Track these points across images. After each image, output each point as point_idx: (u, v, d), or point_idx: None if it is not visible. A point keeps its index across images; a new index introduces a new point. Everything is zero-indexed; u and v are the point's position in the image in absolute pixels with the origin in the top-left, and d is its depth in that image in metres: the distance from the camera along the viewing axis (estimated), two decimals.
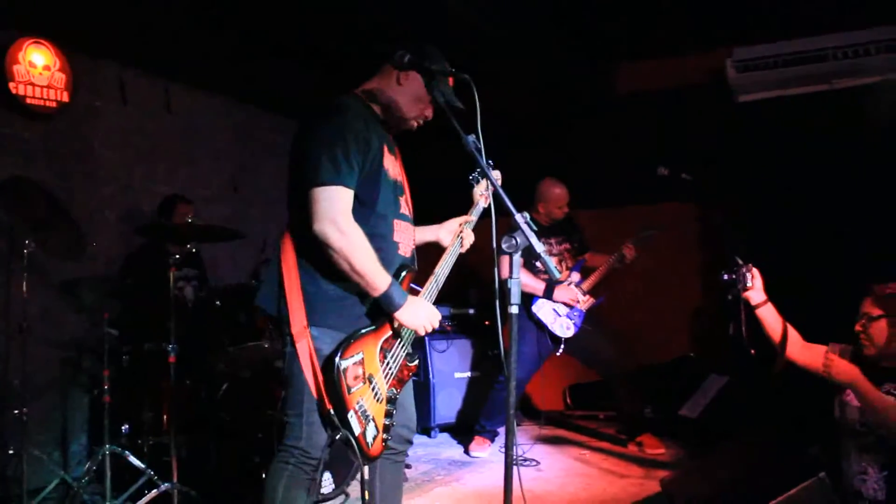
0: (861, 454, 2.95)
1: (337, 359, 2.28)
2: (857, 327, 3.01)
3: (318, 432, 2.39)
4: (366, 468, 2.41)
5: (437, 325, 2.56)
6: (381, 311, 2.44)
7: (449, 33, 5.03)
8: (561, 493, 4.23)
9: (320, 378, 2.33)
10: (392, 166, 2.59)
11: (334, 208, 2.32)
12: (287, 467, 2.42)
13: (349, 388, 2.30)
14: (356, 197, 2.40)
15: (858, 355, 3.02)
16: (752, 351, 3.31)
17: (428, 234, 2.92)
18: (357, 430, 2.31)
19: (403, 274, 2.56)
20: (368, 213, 2.46)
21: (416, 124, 2.68)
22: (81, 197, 4.79)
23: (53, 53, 4.59)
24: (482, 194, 2.94)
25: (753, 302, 3.22)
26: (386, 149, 2.54)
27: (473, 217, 2.94)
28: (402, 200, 2.65)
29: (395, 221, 2.57)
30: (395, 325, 2.48)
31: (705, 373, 5.54)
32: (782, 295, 3.31)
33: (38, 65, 4.51)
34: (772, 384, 4.20)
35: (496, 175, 2.81)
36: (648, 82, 6.47)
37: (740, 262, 3.27)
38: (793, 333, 3.23)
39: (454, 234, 2.88)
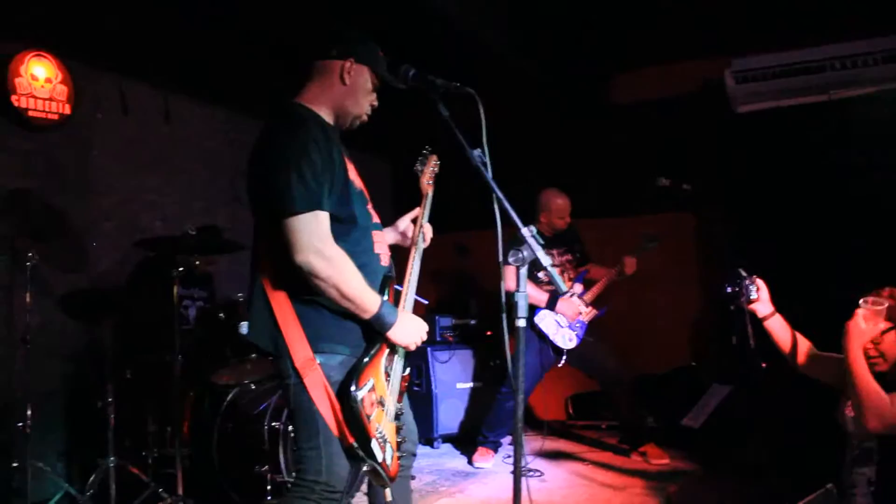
0: (853, 467, 2.86)
1: (353, 390, 2.20)
2: (866, 345, 2.81)
3: (338, 463, 2.29)
4: (388, 490, 2.39)
5: (425, 338, 2.50)
6: (374, 332, 2.37)
7: (446, 43, 5.07)
8: (564, 503, 4.22)
9: (339, 412, 2.24)
10: (354, 176, 2.50)
11: (315, 236, 2.21)
12: (308, 503, 2.31)
13: (368, 417, 2.23)
14: (334, 216, 2.31)
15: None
16: (763, 364, 3.28)
17: (388, 236, 2.80)
18: (380, 457, 2.25)
19: (388, 285, 2.49)
20: (349, 230, 2.38)
21: (366, 118, 2.58)
22: (82, 208, 4.78)
23: (55, 66, 4.59)
24: (428, 184, 2.85)
25: (760, 314, 3.15)
26: (347, 160, 2.46)
27: (426, 209, 2.83)
28: (370, 209, 2.56)
29: (374, 233, 2.52)
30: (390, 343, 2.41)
31: (707, 383, 5.54)
32: (780, 304, 3.25)
33: (39, 77, 4.52)
34: (775, 394, 4.19)
35: (433, 160, 2.82)
36: (647, 92, 6.49)
37: (744, 273, 3.19)
38: (803, 344, 3.15)
39: (413, 233, 2.78)
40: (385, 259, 2.55)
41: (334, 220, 2.30)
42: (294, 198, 2.21)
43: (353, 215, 2.40)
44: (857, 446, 2.86)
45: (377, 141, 2.58)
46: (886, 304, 2.81)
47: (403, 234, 2.84)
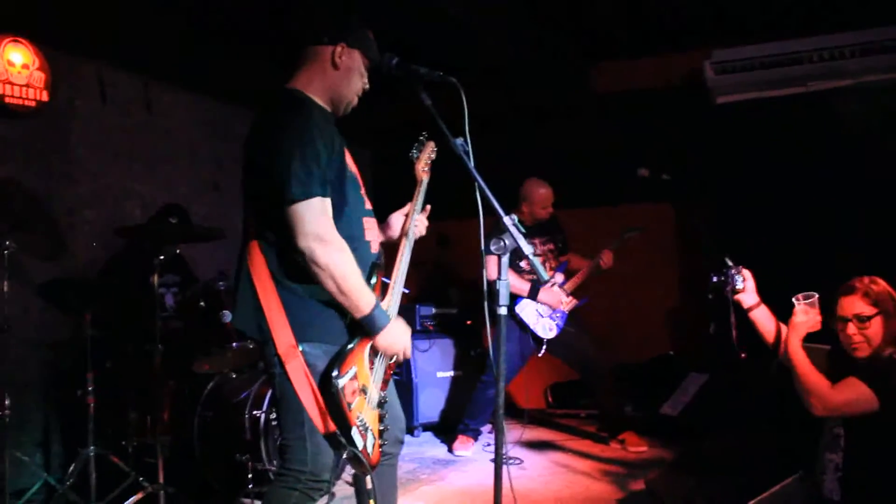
0: (825, 453, 2.92)
1: (334, 379, 2.19)
2: (849, 331, 2.84)
3: (324, 452, 2.30)
4: (368, 478, 2.38)
5: (409, 355, 2.50)
6: (363, 332, 2.35)
7: (427, 29, 5.06)
8: (545, 490, 4.26)
9: (320, 400, 2.24)
10: (349, 161, 2.50)
11: (317, 223, 2.21)
12: (293, 493, 2.31)
13: (349, 405, 2.23)
14: (331, 200, 2.31)
15: (840, 358, 2.95)
16: (743, 355, 3.29)
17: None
18: (360, 444, 2.25)
19: (375, 272, 2.47)
20: (341, 216, 2.36)
21: (356, 100, 2.57)
22: (61, 196, 4.74)
23: (32, 52, 4.54)
24: (424, 170, 2.83)
25: (746, 305, 3.14)
26: (342, 145, 2.46)
27: (420, 196, 2.80)
28: (363, 195, 2.55)
29: (365, 220, 2.51)
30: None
31: (685, 371, 5.60)
32: (761, 296, 3.28)
33: (16, 63, 4.46)
34: (752, 382, 4.24)
35: (431, 146, 2.80)
36: (627, 82, 6.53)
37: (730, 263, 3.18)
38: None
39: (404, 225, 2.76)
40: (375, 246, 2.55)
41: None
42: (298, 184, 2.20)
43: (345, 201, 2.39)
44: (828, 432, 2.92)
45: (356, 127, 2.58)
46: (816, 296, 2.95)
47: (393, 230, 2.79)
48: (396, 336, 2.40)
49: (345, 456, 2.25)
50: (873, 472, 2.75)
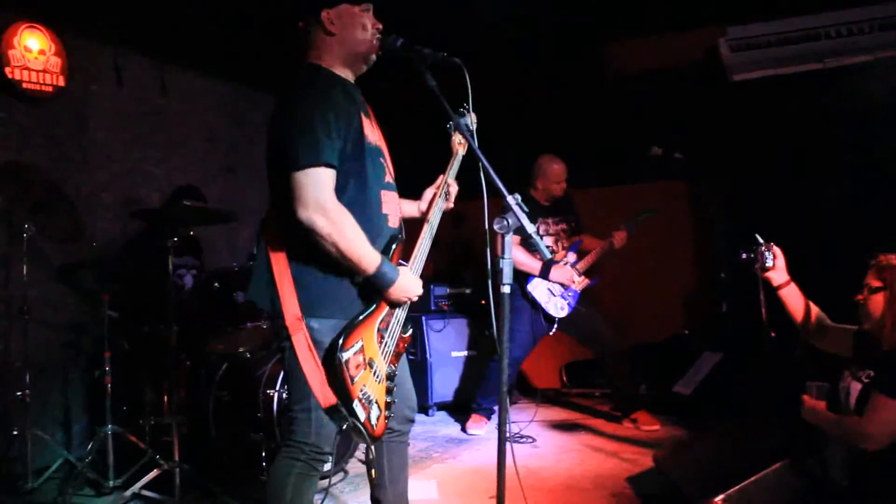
0: (834, 442, 2.92)
1: (338, 352, 2.22)
2: (859, 297, 2.88)
3: (327, 425, 2.35)
4: (372, 447, 2.41)
5: (420, 293, 2.52)
6: (374, 291, 2.39)
7: (439, 13, 5.06)
8: (556, 468, 4.30)
9: (322, 372, 2.28)
10: (371, 132, 2.50)
11: (318, 192, 2.23)
12: (296, 464, 2.38)
13: (352, 379, 2.26)
14: (343, 171, 2.33)
15: (861, 334, 2.95)
16: (773, 334, 3.26)
17: (410, 208, 2.82)
18: (363, 416, 2.28)
19: (394, 247, 2.49)
20: (357, 188, 2.39)
21: (375, 43, 2.53)
22: (78, 180, 4.81)
23: (48, 38, 4.60)
24: (461, 142, 2.81)
25: (775, 283, 3.13)
26: (362, 115, 2.46)
27: (453, 169, 2.81)
28: (385, 166, 2.57)
29: (383, 192, 2.51)
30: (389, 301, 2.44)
31: (699, 350, 5.59)
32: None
33: (33, 49, 4.52)
34: (770, 363, 4.21)
35: (472, 118, 2.72)
36: (642, 61, 6.46)
37: (761, 240, 3.17)
38: (816, 314, 3.16)
39: (428, 210, 2.76)
40: (394, 220, 2.56)
41: (342, 176, 2.33)
42: (302, 151, 2.24)
43: (362, 174, 2.41)
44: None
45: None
46: (828, 386, 2.95)
47: (425, 204, 2.81)
48: (407, 287, 2.43)
49: (345, 427, 2.29)
50: (883, 458, 2.74)
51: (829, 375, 3.04)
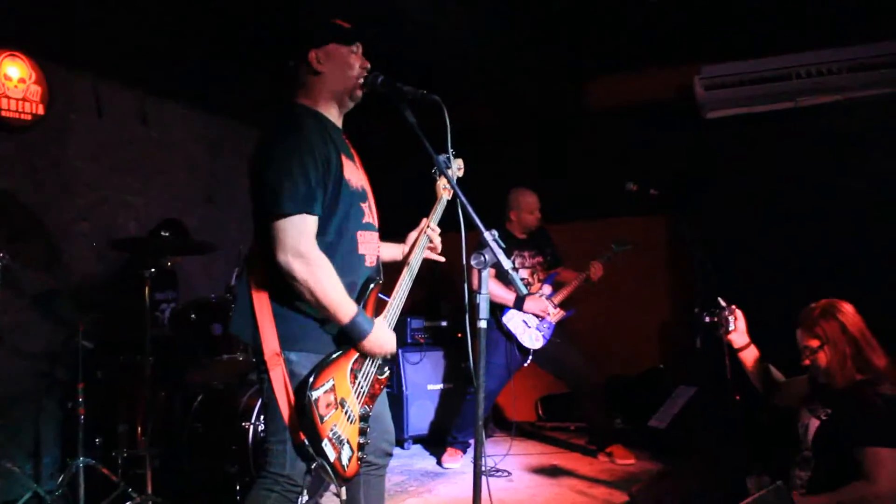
0: (795, 470, 3.00)
1: (308, 390, 2.22)
2: (805, 362, 2.97)
3: (301, 458, 2.36)
4: (343, 490, 2.39)
5: (392, 350, 2.52)
6: (347, 339, 2.40)
7: (420, 46, 5.12)
8: (531, 502, 4.29)
9: (292, 409, 2.30)
10: (353, 174, 2.52)
11: (298, 239, 2.27)
12: (271, 495, 2.37)
13: (322, 418, 2.25)
14: (323, 216, 2.36)
15: (814, 377, 3.04)
16: (737, 396, 3.34)
17: (394, 251, 2.82)
18: (332, 456, 2.28)
19: (371, 287, 2.49)
20: (333, 229, 2.41)
21: (361, 82, 2.54)
22: (56, 209, 4.79)
23: (29, 66, 4.61)
24: (445, 188, 2.81)
25: (736, 345, 3.24)
26: (344, 157, 2.47)
27: (438, 212, 2.81)
28: (365, 208, 2.57)
29: (359, 233, 2.51)
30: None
31: (674, 384, 5.63)
32: (749, 310, 3.33)
33: (13, 77, 4.53)
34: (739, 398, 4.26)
35: (459, 164, 2.76)
36: (618, 98, 6.60)
37: (723, 303, 3.26)
38: (774, 376, 3.26)
39: (418, 235, 2.77)
40: (370, 260, 2.57)
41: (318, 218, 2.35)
42: (283, 199, 2.26)
43: (338, 216, 2.42)
44: (802, 451, 2.99)
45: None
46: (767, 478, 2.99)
47: (409, 246, 2.81)
48: (381, 341, 2.45)
49: (314, 466, 2.29)
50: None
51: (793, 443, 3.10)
